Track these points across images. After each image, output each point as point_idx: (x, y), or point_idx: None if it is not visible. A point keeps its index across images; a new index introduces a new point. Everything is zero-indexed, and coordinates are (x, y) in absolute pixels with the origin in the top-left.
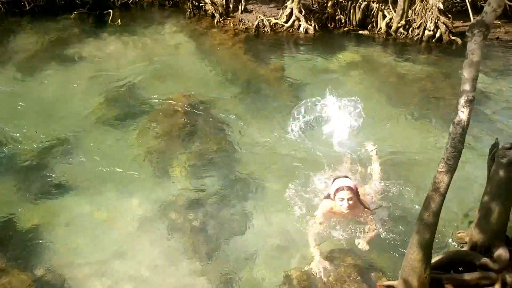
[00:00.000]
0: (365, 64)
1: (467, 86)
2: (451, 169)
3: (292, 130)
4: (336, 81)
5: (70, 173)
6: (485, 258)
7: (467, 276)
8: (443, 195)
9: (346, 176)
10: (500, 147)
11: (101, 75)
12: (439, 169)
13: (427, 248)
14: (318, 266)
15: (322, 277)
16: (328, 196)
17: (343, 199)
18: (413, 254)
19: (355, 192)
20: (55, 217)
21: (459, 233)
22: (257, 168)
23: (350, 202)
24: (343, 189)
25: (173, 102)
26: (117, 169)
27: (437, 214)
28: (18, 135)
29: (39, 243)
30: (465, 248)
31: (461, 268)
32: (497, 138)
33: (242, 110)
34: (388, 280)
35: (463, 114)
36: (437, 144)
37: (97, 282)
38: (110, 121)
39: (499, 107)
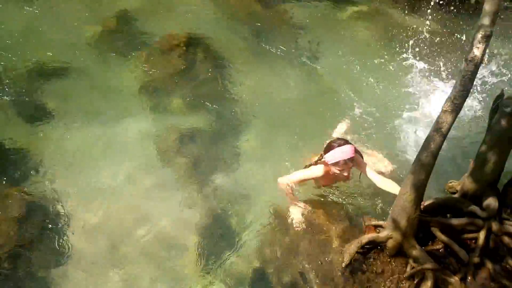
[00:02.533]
0: (375, 16)
1: (486, 20)
2: (457, 109)
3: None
4: (343, 30)
5: (63, 100)
6: (474, 206)
7: (455, 221)
8: (444, 136)
9: (347, 141)
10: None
11: (97, 4)
12: (444, 108)
13: (420, 189)
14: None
15: (296, 221)
16: (320, 161)
17: (342, 170)
18: (405, 195)
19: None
20: (47, 142)
21: (450, 182)
22: (253, 110)
23: (350, 168)
24: (345, 163)
25: (170, 39)
26: (111, 100)
27: (435, 155)
28: (10, 57)
29: (32, 166)
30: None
31: (449, 214)
32: (502, 90)
33: (241, 52)
34: (376, 220)
35: (477, 50)
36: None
37: (89, 205)
38: (104, 51)
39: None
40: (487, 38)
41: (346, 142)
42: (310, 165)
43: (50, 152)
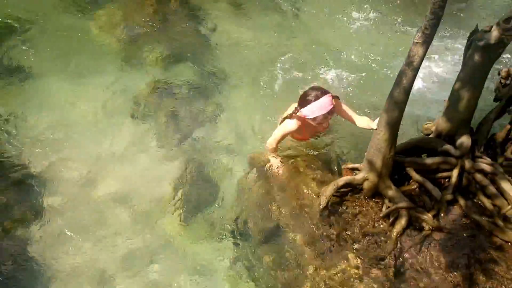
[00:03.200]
0: None
1: None
2: (428, 40)
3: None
4: None
5: (31, 57)
6: (448, 145)
7: (428, 161)
8: (416, 70)
9: (324, 91)
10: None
11: None
12: (415, 40)
13: (394, 127)
14: (275, 162)
15: (278, 170)
16: (295, 114)
17: (321, 123)
18: (379, 134)
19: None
20: (21, 101)
21: (426, 124)
22: (232, 60)
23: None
24: (325, 117)
25: None
26: (83, 55)
27: (408, 90)
28: None
29: (4, 126)
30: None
31: (424, 154)
32: (477, 24)
33: (218, 4)
34: (353, 163)
35: None
36: None
37: (66, 163)
38: (72, 4)
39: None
40: None
41: (323, 92)
42: (285, 118)
43: (24, 111)
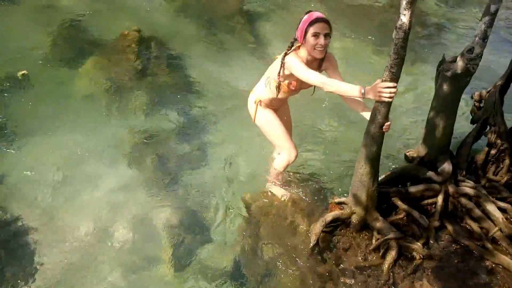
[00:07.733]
0: None
1: None
2: (395, 77)
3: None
4: (297, 14)
5: (17, 113)
6: (430, 172)
7: (413, 189)
8: (389, 106)
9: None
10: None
11: (47, 10)
12: (383, 78)
13: (374, 161)
14: (277, 191)
15: (279, 198)
16: (291, 49)
17: (318, 35)
18: (361, 168)
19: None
20: (5, 160)
21: (408, 151)
22: (214, 104)
23: (327, 41)
24: (318, 21)
25: (124, 38)
26: (68, 107)
27: (383, 125)
28: None
29: None
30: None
31: (409, 182)
32: (444, 54)
33: (197, 47)
34: (339, 197)
35: (404, 17)
36: None
37: (55, 218)
38: (57, 58)
39: (455, 36)
40: (411, 4)
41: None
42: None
43: (13, 170)
